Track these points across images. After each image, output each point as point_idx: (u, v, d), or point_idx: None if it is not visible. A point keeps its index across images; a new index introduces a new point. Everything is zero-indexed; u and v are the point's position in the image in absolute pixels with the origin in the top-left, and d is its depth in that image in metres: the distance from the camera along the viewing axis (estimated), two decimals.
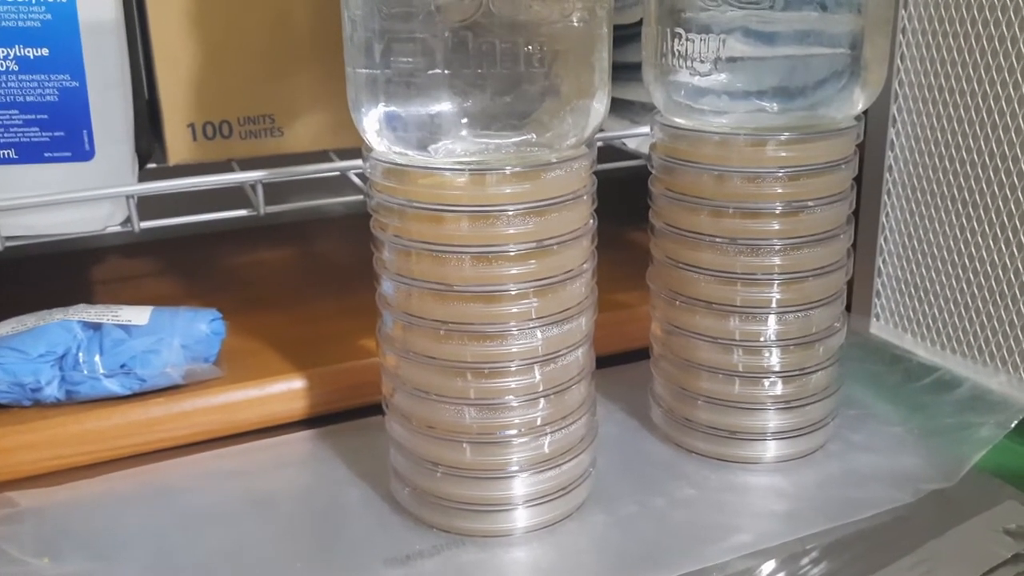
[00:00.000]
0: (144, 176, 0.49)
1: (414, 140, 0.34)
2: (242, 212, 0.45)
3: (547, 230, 0.35)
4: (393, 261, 0.36)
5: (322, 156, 0.54)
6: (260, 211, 0.45)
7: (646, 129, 0.51)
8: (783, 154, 0.38)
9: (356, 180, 0.49)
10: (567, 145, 0.35)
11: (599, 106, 0.35)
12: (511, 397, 0.36)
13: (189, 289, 0.58)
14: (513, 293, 0.35)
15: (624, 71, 0.46)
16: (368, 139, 0.36)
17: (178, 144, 0.50)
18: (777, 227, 0.39)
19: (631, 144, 0.56)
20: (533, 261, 0.35)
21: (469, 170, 0.33)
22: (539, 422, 0.36)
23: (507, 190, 0.33)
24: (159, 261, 0.63)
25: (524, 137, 0.34)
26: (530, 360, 0.35)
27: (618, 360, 0.49)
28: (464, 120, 0.34)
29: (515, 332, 0.35)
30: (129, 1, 0.46)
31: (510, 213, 0.34)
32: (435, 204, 0.34)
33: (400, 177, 0.35)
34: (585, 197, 0.36)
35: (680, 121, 0.40)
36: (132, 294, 0.57)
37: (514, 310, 0.35)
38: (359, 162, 0.49)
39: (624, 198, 0.52)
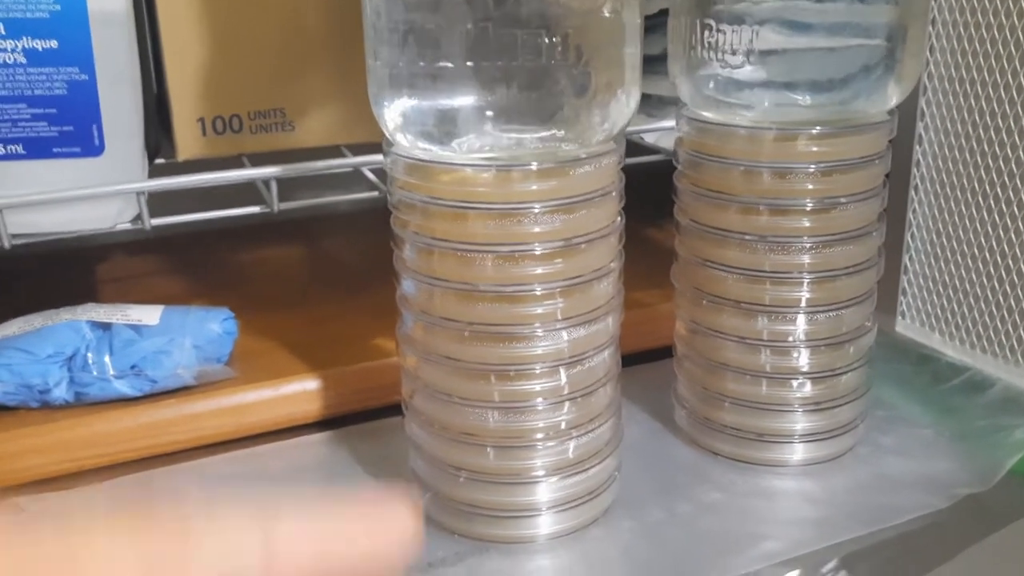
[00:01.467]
0: (153, 172, 0.48)
1: (437, 135, 0.33)
2: (255, 209, 0.44)
3: (574, 228, 0.33)
4: (415, 260, 0.35)
5: (334, 151, 0.53)
6: (274, 208, 0.43)
7: (668, 123, 0.50)
8: (815, 149, 0.37)
9: (371, 176, 0.47)
10: (596, 141, 0.33)
11: (630, 101, 0.34)
12: (537, 400, 0.34)
13: (199, 287, 0.56)
14: (539, 293, 0.33)
15: (643, 64, 0.45)
16: (389, 134, 0.34)
17: (187, 139, 0.49)
18: (808, 224, 0.38)
19: (649, 139, 0.55)
20: (560, 260, 0.33)
21: (495, 166, 0.32)
22: (564, 426, 0.35)
23: (533, 187, 0.32)
24: (168, 258, 0.62)
25: (551, 132, 0.33)
26: (556, 362, 0.34)
27: (639, 359, 0.48)
28: (489, 114, 0.32)
29: (541, 333, 0.34)
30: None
31: (536, 211, 0.33)
32: (459, 201, 0.33)
33: (423, 173, 0.33)
34: (614, 194, 0.35)
35: (708, 115, 0.39)
36: (141, 292, 0.55)
37: (540, 311, 0.34)
38: (374, 157, 0.48)
39: (642, 193, 0.51)
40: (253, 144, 0.50)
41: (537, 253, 0.33)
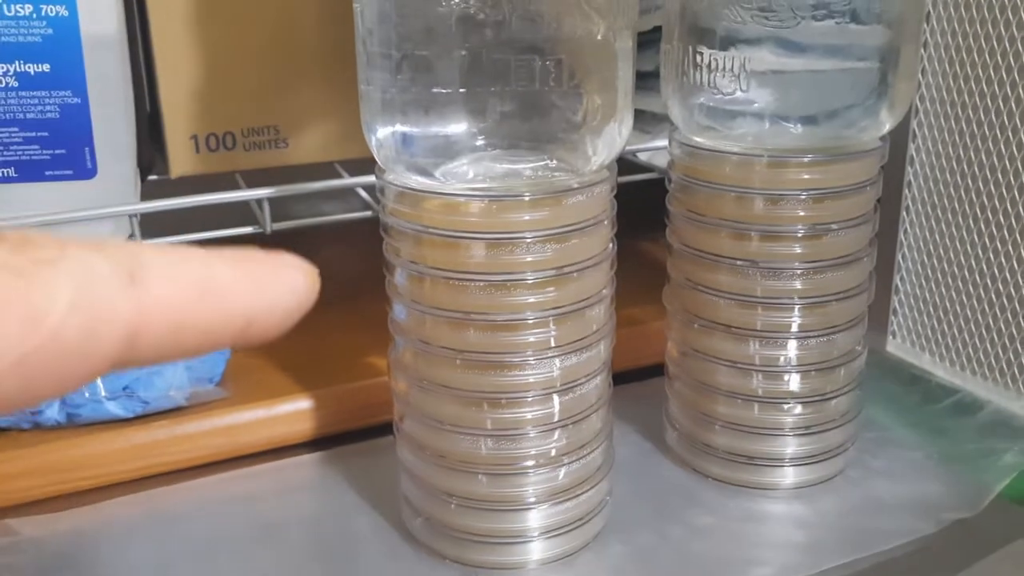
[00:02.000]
0: (147, 189, 0.48)
1: (429, 162, 0.33)
2: (248, 229, 0.44)
3: (567, 257, 0.33)
4: (406, 287, 0.35)
5: (328, 167, 0.53)
6: (267, 229, 0.43)
7: (661, 142, 0.50)
8: (806, 176, 0.37)
9: (365, 195, 0.47)
10: (589, 170, 0.33)
11: (623, 129, 0.34)
12: (528, 428, 0.35)
13: None
14: (531, 321, 0.34)
15: (636, 80, 0.45)
16: (380, 160, 0.35)
17: (180, 156, 0.49)
18: (799, 250, 0.38)
19: (643, 156, 0.55)
20: (552, 289, 0.34)
21: (487, 196, 0.32)
22: (556, 452, 0.35)
23: (526, 217, 0.32)
24: None
25: (544, 161, 0.33)
26: (548, 390, 0.34)
27: (631, 377, 0.48)
28: (482, 142, 0.32)
29: (533, 361, 0.34)
30: (131, 12, 0.44)
31: (529, 240, 0.33)
32: (451, 231, 0.33)
33: (413, 201, 0.33)
34: (606, 222, 0.35)
35: (700, 140, 0.39)
36: None
37: (532, 339, 0.34)
38: (368, 178, 0.48)
39: (636, 208, 0.51)
40: (247, 161, 0.51)
41: (529, 282, 0.33)
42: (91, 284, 0.13)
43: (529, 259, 0.33)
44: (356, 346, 0.48)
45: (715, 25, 0.36)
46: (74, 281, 0.13)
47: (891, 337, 0.51)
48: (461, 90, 0.32)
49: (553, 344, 0.34)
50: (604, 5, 0.32)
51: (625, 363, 0.47)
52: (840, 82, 0.37)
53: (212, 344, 0.15)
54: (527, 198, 0.32)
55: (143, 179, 0.47)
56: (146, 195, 0.46)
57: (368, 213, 0.48)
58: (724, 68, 0.37)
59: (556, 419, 0.35)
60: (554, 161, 0.33)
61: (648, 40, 0.47)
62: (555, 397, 0.35)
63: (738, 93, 0.37)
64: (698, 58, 0.37)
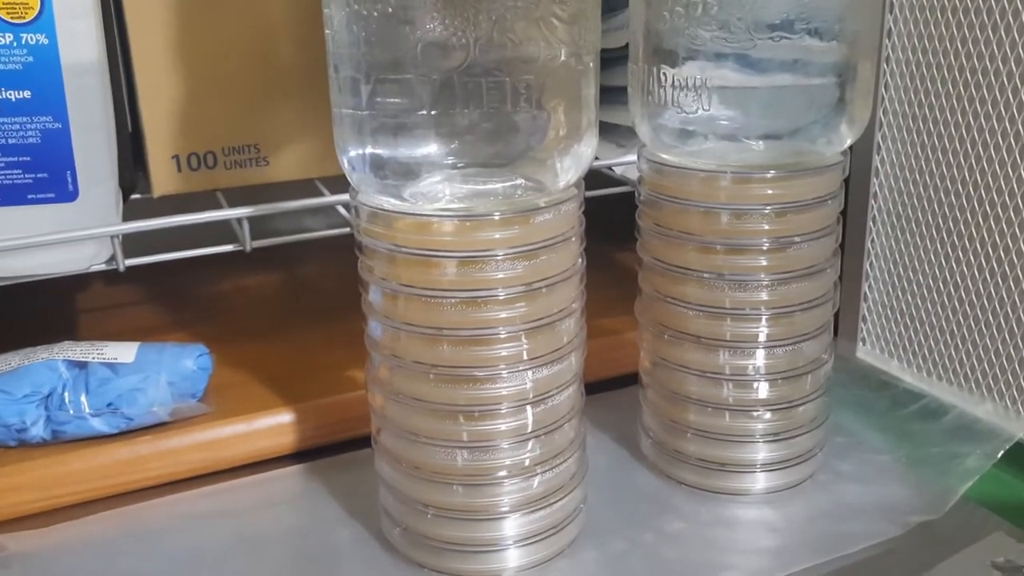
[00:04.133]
0: (128, 209, 0.48)
1: (400, 184, 0.34)
2: (228, 247, 0.45)
3: (537, 273, 0.34)
4: (380, 304, 0.36)
5: (308, 184, 0.54)
6: (246, 247, 0.44)
7: (632, 156, 0.52)
8: (769, 191, 0.38)
9: (344, 212, 0.48)
10: (556, 188, 0.34)
11: (587, 148, 0.35)
12: (502, 439, 0.36)
13: (174, 317, 0.57)
14: (503, 336, 0.35)
15: (610, 94, 0.46)
16: (353, 181, 0.35)
17: (162, 176, 0.49)
18: (764, 263, 0.39)
19: (618, 170, 0.56)
20: (523, 304, 0.35)
21: (457, 216, 0.33)
22: (530, 462, 0.36)
23: (496, 235, 0.33)
24: (143, 288, 0.62)
25: (513, 182, 0.34)
26: (521, 402, 0.35)
27: (608, 386, 0.49)
28: (451, 163, 0.33)
29: (505, 375, 0.35)
30: (111, 34, 0.45)
31: (499, 258, 0.34)
32: (423, 250, 0.34)
33: (387, 222, 0.34)
34: (574, 238, 0.36)
35: (666, 157, 0.40)
36: (116, 323, 0.56)
37: (504, 353, 0.35)
38: (346, 197, 0.49)
39: (609, 217, 0.52)
40: (228, 180, 0.51)
41: (500, 298, 0.34)
42: None
43: (500, 276, 0.34)
44: (335, 360, 0.49)
45: (676, 46, 0.37)
46: None
47: (861, 344, 0.52)
48: (430, 113, 0.33)
49: (525, 357, 0.35)
50: (566, 29, 0.33)
51: (601, 373, 0.48)
52: (800, 99, 0.38)
53: None
54: (497, 217, 0.33)
55: (125, 199, 0.48)
56: (129, 214, 0.47)
57: (347, 230, 0.49)
58: (686, 87, 0.38)
59: (530, 430, 0.36)
60: (522, 180, 0.34)
61: (621, 56, 0.48)
62: (528, 409, 0.36)
63: (700, 111, 0.38)
64: (662, 78, 0.38)
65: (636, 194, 0.43)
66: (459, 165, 0.34)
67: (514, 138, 0.34)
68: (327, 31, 0.34)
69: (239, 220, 0.43)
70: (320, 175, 0.54)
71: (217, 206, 0.48)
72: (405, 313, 0.35)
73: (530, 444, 0.36)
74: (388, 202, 0.34)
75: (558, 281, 0.35)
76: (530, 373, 0.35)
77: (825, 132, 0.39)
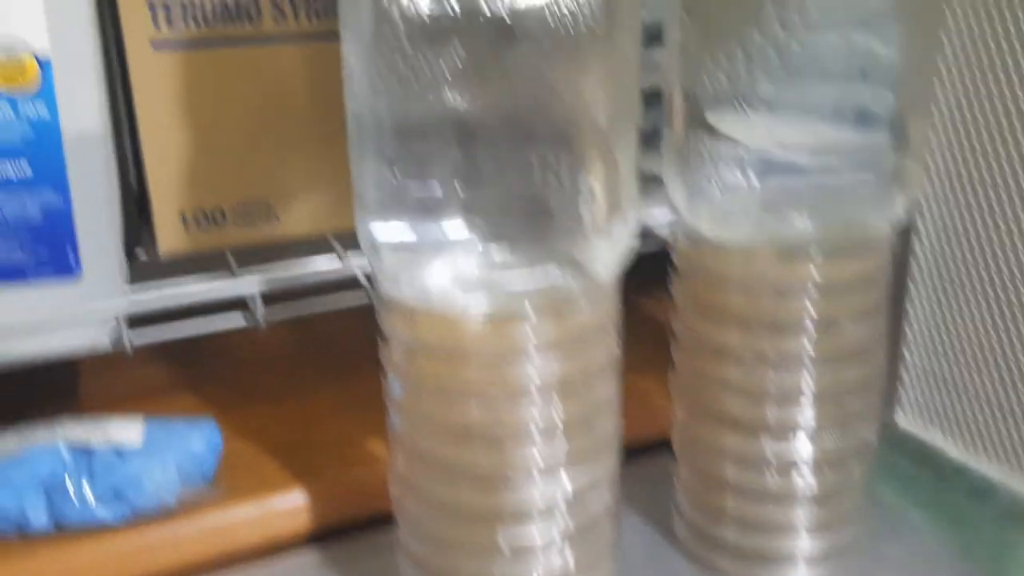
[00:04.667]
0: (134, 270, 0.46)
1: (425, 270, 0.32)
2: (240, 324, 0.43)
3: (571, 368, 0.32)
4: (401, 396, 0.33)
5: (320, 239, 0.52)
6: (260, 323, 0.42)
7: (660, 208, 0.49)
8: (815, 270, 0.36)
9: (364, 281, 0.46)
10: (593, 273, 0.32)
11: (628, 228, 0.33)
12: (536, 540, 0.33)
13: (180, 379, 0.55)
14: (535, 432, 0.32)
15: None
16: (373, 264, 0.33)
17: (169, 235, 0.47)
18: (810, 345, 0.37)
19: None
20: (556, 399, 0.32)
21: (486, 315, 0.31)
22: (563, 563, 0.34)
23: (529, 337, 0.31)
24: (150, 348, 0.60)
25: (544, 266, 0.32)
26: (554, 503, 0.33)
27: (636, 452, 0.47)
28: (477, 241, 0.31)
29: (537, 475, 0.33)
30: (115, 92, 0.43)
31: (531, 352, 0.31)
32: (449, 348, 0.31)
33: (408, 316, 0.32)
34: (612, 329, 0.34)
35: (704, 229, 0.38)
36: (122, 385, 0.54)
37: (536, 450, 0.32)
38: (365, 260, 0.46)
39: (639, 264, 0.50)
40: (237, 236, 0.49)
41: (533, 394, 0.32)
42: None
43: (531, 371, 0.32)
44: (353, 427, 0.47)
45: (724, 115, 0.35)
46: None
47: (900, 411, 0.50)
48: (457, 190, 0.30)
49: (558, 455, 0.33)
50: (603, 99, 0.31)
51: (636, 436, 0.45)
52: (851, 166, 0.36)
53: None
54: (530, 313, 0.31)
55: (130, 259, 0.46)
56: (134, 275, 0.44)
57: (365, 299, 0.46)
58: (728, 158, 0.35)
59: (563, 528, 0.34)
60: (556, 265, 0.32)
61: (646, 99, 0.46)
62: (560, 508, 0.33)
63: (744, 184, 0.36)
64: (701, 147, 0.36)
65: (669, 261, 0.40)
66: (486, 243, 0.31)
67: (546, 215, 0.31)
68: (349, 104, 0.32)
69: (253, 296, 0.41)
70: (334, 228, 0.52)
71: (226, 269, 0.46)
72: (430, 409, 0.33)
73: (564, 545, 0.34)
74: (409, 292, 0.32)
75: (595, 373, 0.33)
76: (564, 472, 0.33)
77: (877, 202, 0.36)
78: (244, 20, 0.45)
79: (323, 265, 0.45)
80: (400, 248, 0.32)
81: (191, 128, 0.46)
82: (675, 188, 0.38)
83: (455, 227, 0.31)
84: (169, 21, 0.44)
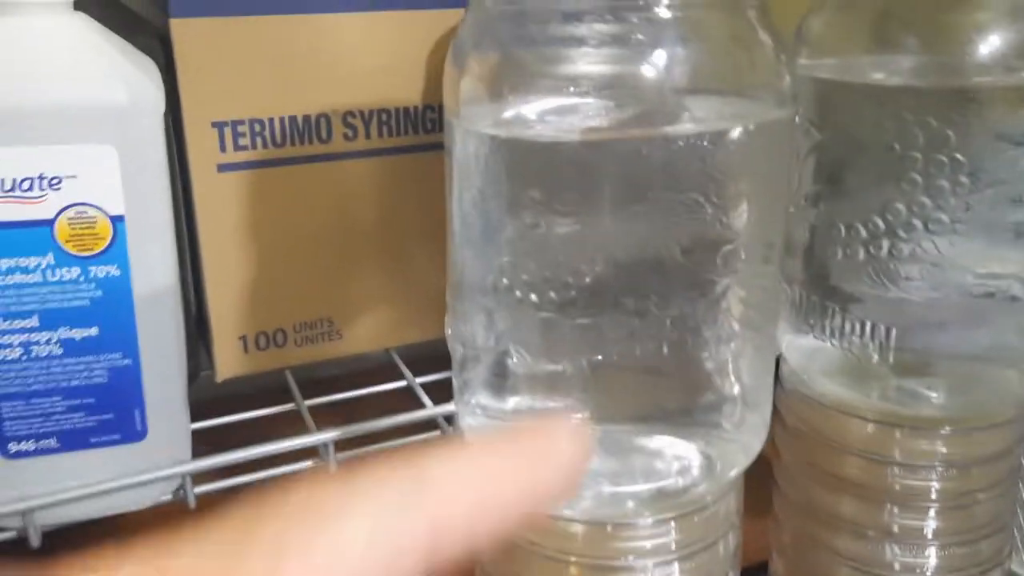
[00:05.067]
0: (192, 394, 0.43)
1: None
2: (307, 463, 0.40)
3: (688, 569, 0.29)
4: None
5: (384, 358, 0.49)
6: (332, 467, 0.39)
7: None
8: (945, 445, 0.33)
9: (445, 425, 0.43)
10: (722, 476, 0.29)
11: (764, 420, 0.29)
12: None
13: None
14: None
15: None
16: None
17: (228, 359, 0.45)
18: (936, 519, 0.34)
19: None
20: None
21: (596, 515, 0.28)
22: None
23: (634, 542, 0.28)
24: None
25: (663, 459, 0.29)
26: None
27: None
28: (597, 434, 0.28)
29: None
30: (179, 217, 0.41)
31: (645, 557, 0.28)
32: (553, 549, 0.28)
33: None
34: (734, 523, 0.31)
35: (823, 390, 0.35)
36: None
37: None
38: (449, 407, 0.43)
39: None
40: (298, 356, 0.47)
41: None
42: (384, 514, 0.14)
43: None
44: None
45: (852, 286, 0.32)
46: (372, 516, 0.14)
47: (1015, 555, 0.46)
48: (578, 365, 0.27)
49: None
50: (748, 258, 0.27)
51: None
52: (993, 353, 0.33)
53: (513, 517, 0.16)
54: (641, 523, 0.28)
55: (190, 382, 0.43)
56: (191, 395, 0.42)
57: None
58: (858, 332, 0.32)
59: None
60: (681, 461, 0.29)
61: None
62: None
63: (872, 355, 0.33)
64: (827, 312, 0.33)
65: (775, 418, 0.37)
66: (604, 428, 0.28)
67: (675, 399, 0.28)
68: (460, 244, 0.29)
69: (326, 445, 0.38)
70: (396, 344, 0.49)
71: (286, 391, 0.44)
72: None
73: None
74: None
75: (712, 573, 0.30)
76: None
77: (1016, 379, 0.33)
78: (315, 139, 0.43)
79: (393, 393, 0.43)
80: (502, 417, 0.29)
81: (254, 249, 0.44)
82: (792, 346, 0.35)
83: (565, 408, 0.28)
84: (236, 144, 0.42)
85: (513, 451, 0.16)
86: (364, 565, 0.14)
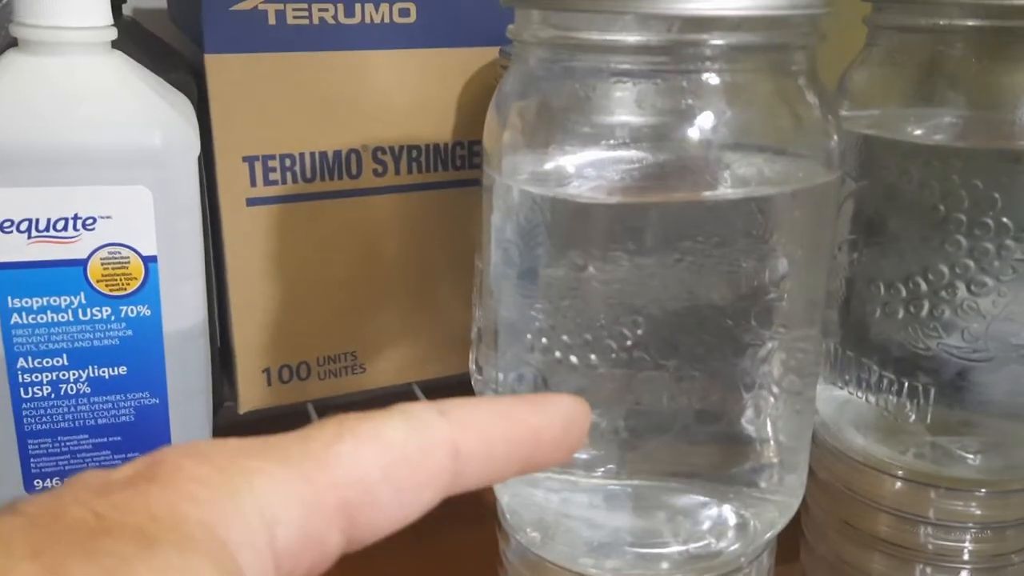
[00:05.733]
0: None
1: (557, 519, 0.28)
2: None
3: None
4: None
5: (405, 390, 0.49)
6: None
7: None
8: (980, 507, 0.33)
9: None
10: (756, 538, 0.29)
11: (801, 481, 0.29)
12: None
13: None
14: None
15: None
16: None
17: (251, 391, 0.45)
18: None
19: None
20: None
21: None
22: None
23: None
24: None
25: (703, 529, 0.28)
26: None
27: None
28: (628, 492, 0.28)
29: None
30: (207, 246, 0.41)
31: None
32: None
33: (538, 568, 0.29)
34: None
35: (856, 446, 0.34)
36: None
37: None
38: None
39: None
40: (320, 390, 0.47)
41: None
42: (417, 418, 0.17)
43: None
44: None
45: (890, 344, 0.32)
46: (405, 420, 0.16)
47: None
48: (611, 424, 0.27)
49: None
50: (792, 311, 0.26)
51: None
52: None
53: (517, 459, 0.18)
54: None
55: (215, 412, 0.43)
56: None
57: None
58: (895, 390, 0.32)
59: None
60: (716, 523, 0.28)
61: None
62: None
63: (910, 416, 0.32)
64: (863, 368, 0.33)
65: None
66: (634, 487, 0.28)
67: (710, 459, 0.27)
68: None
69: None
70: (419, 379, 0.49)
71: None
72: None
73: None
74: (535, 540, 0.28)
75: None
76: None
77: None
78: (344, 175, 0.43)
79: None
80: (528, 482, 0.29)
81: (281, 282, 0.44)
82: (824, 398, 0.35)
83: (600, 463, 0.28)
84: (267, 178, 0.41)
85: (520, 400, 0.19)
86: (404, 457, 0.16)
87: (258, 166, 0.41)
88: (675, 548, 0.27)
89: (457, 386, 0.48)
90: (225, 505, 0.14)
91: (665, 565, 0.27)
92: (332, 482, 0.15)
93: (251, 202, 0.42)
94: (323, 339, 0.46)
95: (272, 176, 0.41)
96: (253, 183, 0.41)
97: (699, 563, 0.27)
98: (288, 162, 0.42)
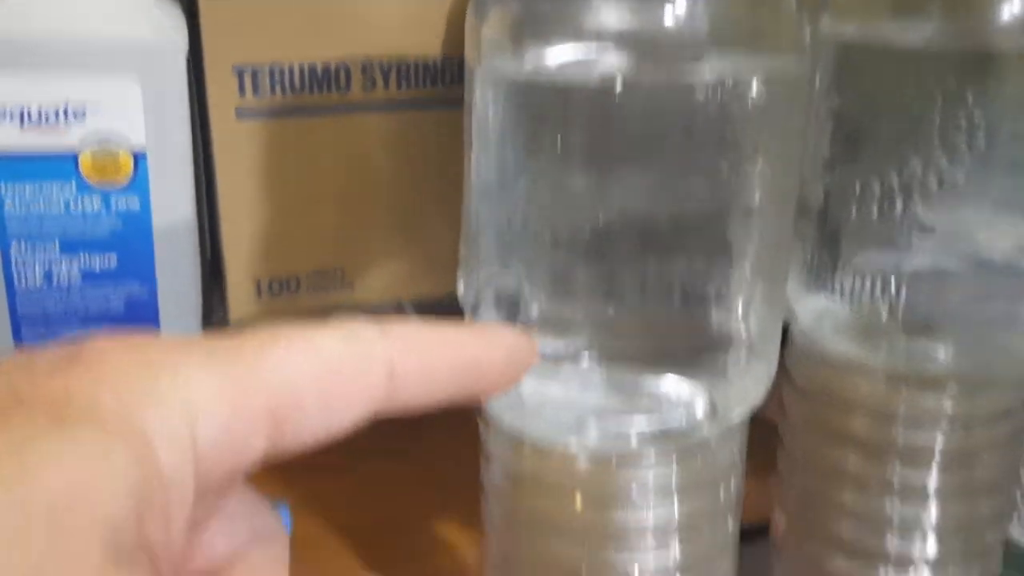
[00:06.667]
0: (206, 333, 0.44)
1: (535, 400, 0.29)
2: None
3: (691, 511, 0.30)
4: (500, 529, 0.31)
5: (397, 311, 0.50)
6: None
7: None
8: (952, 403, 0.33)
9: None
10: (725, 420, 0.29)
11: (770, 367, 0.30)
12: None
13: None
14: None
15: None
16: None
17: (241, 301, 0.45)
18: (939, 475, 0.34)
19: None
20: (671, 541, 0.30)
21: (599, 453, 0.28)
22: None
23: (646, 480, 0.28)
24: None
25: (675, 409, 0.29)
26: None
27: None
28: (602, 376, 0.28)
29: None
30: (197, 164, 0.41)
31: (648, 495, 0.29)
32: (555, 484, 0.29)
33: (515, 445, 0.30)
34: (737, 467, 0.31)
35: (831, 348, 0.35)
36: None
37: None
38: None
39: None
40: (309, 302, 0.47)
41: (647, 538, 0.29)
42: (355, 332, 0.17)
43: (642, 515, 0.29)
44: (426, 508, 0.45)
45: (864, 245, 0.32)
46: (343, 333, 0.16)
47: (1017, 521, 0.47)
48: (584, 310, 0.28)
49: None
50: (764, 205, 0.27)
51: None
52: (1000, 303, 0.33)
53: (455, 385, 0.18)
54: (648, 455, 0.28)
55: (205, 326, 0.44)
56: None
57: None
58: (868, 290, 0.33)
59: None
60: (687, 404, 0.29)
61: None
62: None
63: (880, 307, 0.33)
64: (837, 270, 0.33)
65: (783, 373, 0.37)
66: (608, 370, 0.28)
67: (682, 344, 0.28)
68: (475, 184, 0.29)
69: None
70: (408, 297, 0.50)
71: None
72: (528, 543, 0.30)
73: None
74: (514, 418, 0.29)
75: (715, 516, 0.31)
76: None
77: None
78: (333, 88, 0.43)
79: None
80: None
81: (271, 197, 0.44)
82: (801, 303, 0.35)
83: (575, 349, 0.28)
84: (256, 89, 0.42)
85: (465, 329, 0.19)
86: (337, 369, 0.16)
87: (247, 76, 0.41)
88: (647, 424, 0.28)
89: (452, 306, 0.49)
90: (146, 395, 0.14)
91: (636, 440, 0.28)
92: (260, 385, 0.15)
93: (240, 113, 0.42)
94: (312, 255, 0.46)
95: (261, 87, 0.42)
96: (242, 93, 0.42)
97: (669, 440, 0.28)
98: (277, 73, 0.42)
